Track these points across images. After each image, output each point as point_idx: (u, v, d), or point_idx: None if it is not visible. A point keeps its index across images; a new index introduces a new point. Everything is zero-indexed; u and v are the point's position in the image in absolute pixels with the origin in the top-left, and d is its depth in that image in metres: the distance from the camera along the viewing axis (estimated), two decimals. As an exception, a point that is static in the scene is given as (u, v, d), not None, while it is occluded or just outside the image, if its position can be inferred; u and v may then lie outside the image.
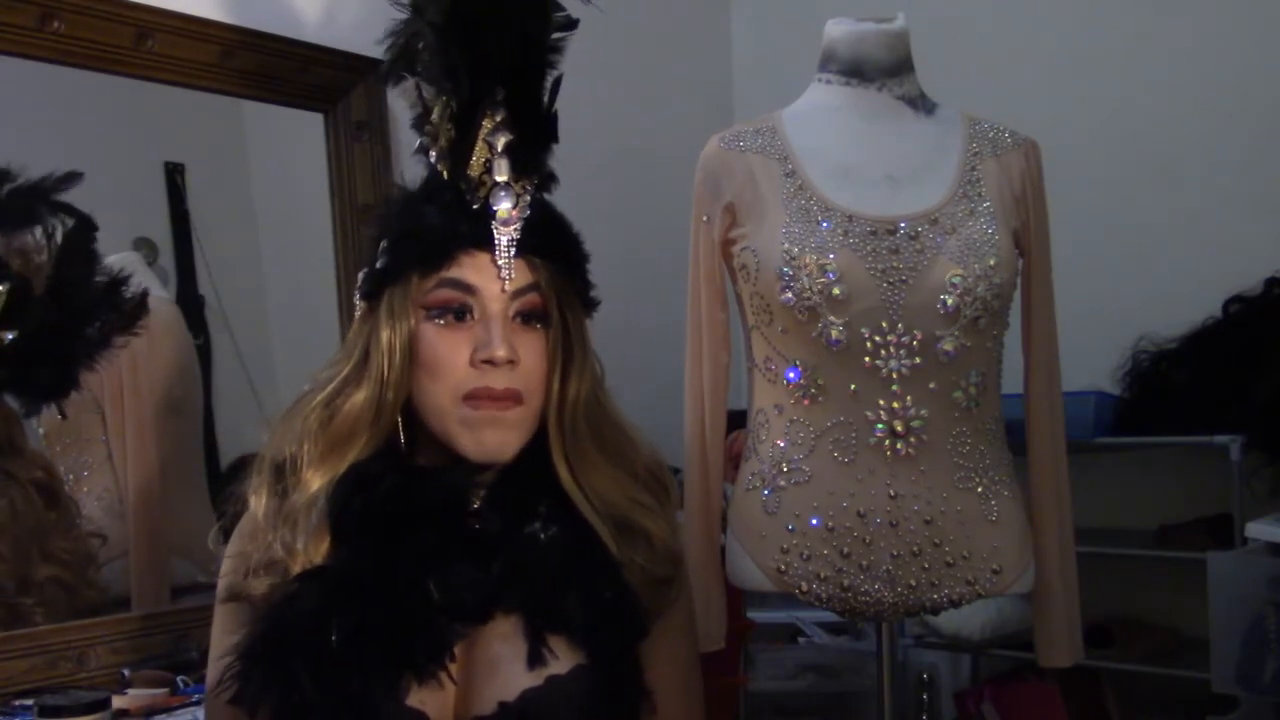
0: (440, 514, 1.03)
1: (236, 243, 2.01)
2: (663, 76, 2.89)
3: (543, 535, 1.06)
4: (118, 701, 1.47)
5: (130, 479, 1.75)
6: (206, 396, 1.90)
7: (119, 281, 1.69)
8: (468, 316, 1.05)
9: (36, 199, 1.61)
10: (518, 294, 1.05)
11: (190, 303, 1.88)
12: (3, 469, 1.58)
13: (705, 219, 1.56)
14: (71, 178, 1.63)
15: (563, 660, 1.01)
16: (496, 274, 1.05)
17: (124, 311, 1.69)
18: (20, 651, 1.53)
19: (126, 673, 1.58)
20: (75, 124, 1.78)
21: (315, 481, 1.04)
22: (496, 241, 1.05)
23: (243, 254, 2.02)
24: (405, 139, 2.12)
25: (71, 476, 1.73)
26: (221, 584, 1.10)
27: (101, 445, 1.75)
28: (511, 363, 1.03)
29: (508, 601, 1.02)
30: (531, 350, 1.06)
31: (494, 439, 1.04)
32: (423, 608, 0.99)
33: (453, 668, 1.00)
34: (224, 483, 1.84)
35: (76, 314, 1.65)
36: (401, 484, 1.04)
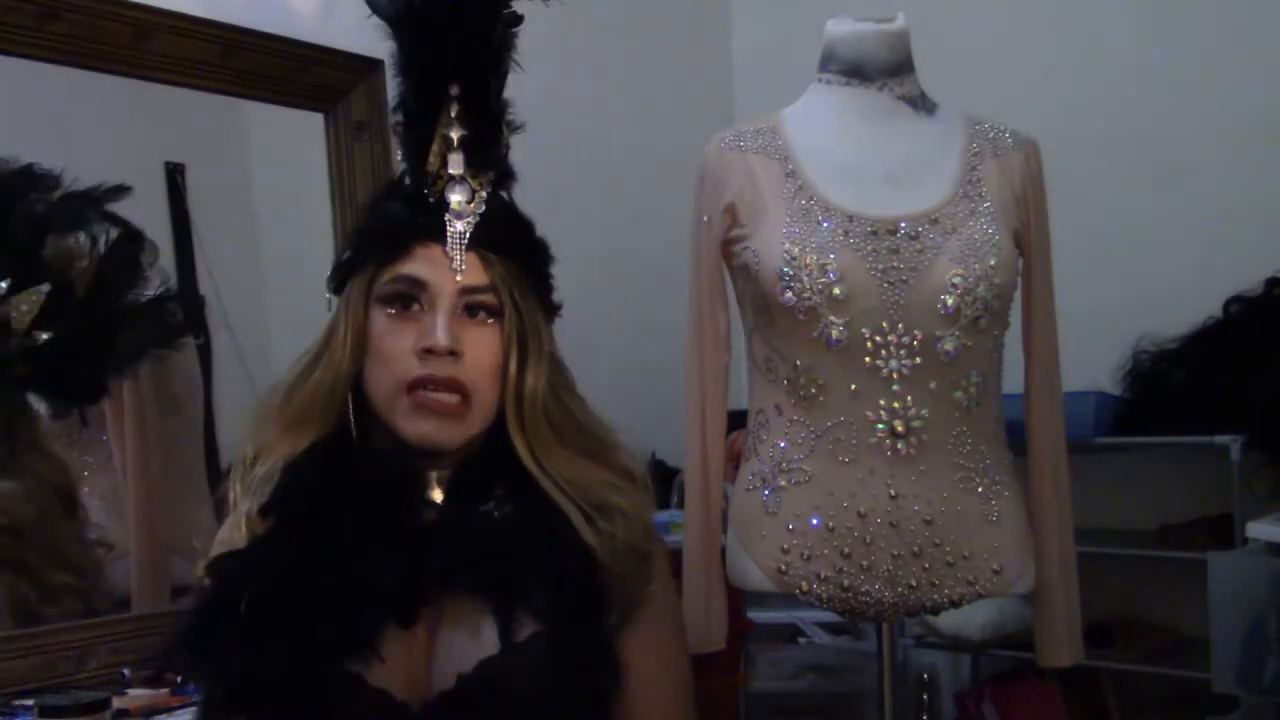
0: (380, 499, 1.05)
1: (236, 243, 2.01)
2: (663, 76, 2.89)
3: (496, 514, 1.08)
4: (118, 701, 1.47)
5: (130, 479, 1.75)
6: (206, 396, 1.90)
7: (165, 297, 1.72)
8: (414, 306, 1.07)
9: (88, 206, 1.64)
10: (469, 290, 1.07)
11: (190, 303, 1.88)
12: (31, 470, 1.59)
13: (706, 219, 1.56)
14: (121, 190, 1.67)
15: (520, 630, 1.02)
16: (448, 266, 1.07)
17: (166, 325, 1.72)
18: (21, 651, 1.53)
19: (126, 673, 1.58)
20: (75, 124, 1.78)
21: (271, 459, 1.07)
22: (449, 233, 1.07)
23: (243, 254, 2.02)
24: (405, 139, 2.13)
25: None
26: (199, 568, 1.10)
27: (102, 445, 1.74)
28: (454, 353, 1.04)
29: (462, 581, 1.03)
30: (480, 344, 1.07)
31: (435, 431, 1.06)
32: (349, 589, 1.00)
33: (416, 647, 1.02)
34: (224, 483, 1.85)
35: (113, 322, 1.67)
36: (347, 467, 1.06)
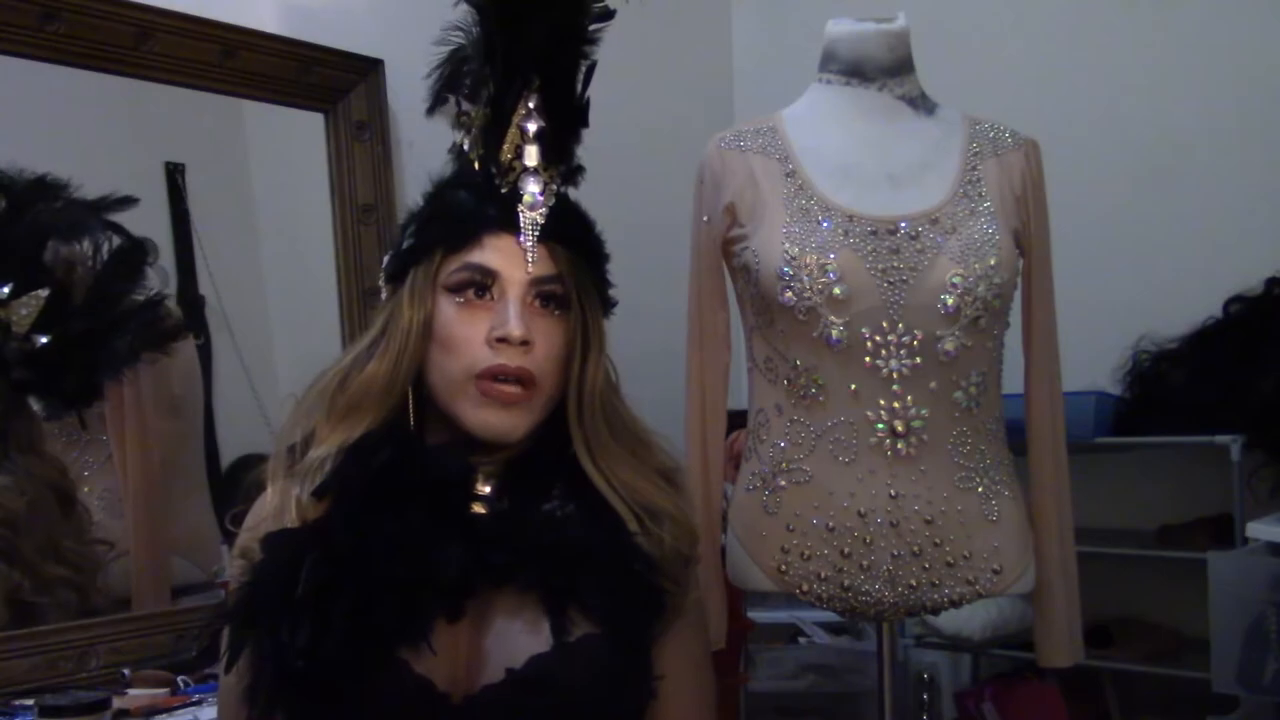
0: (438, 491, 1.04)
1: (236, 243, 2.01)
2: (663, 76, 2.89)
3: (559, 513, 1.07)
4: (118, 701, 1.47)
5: (130, 479, 1.75)
6: (206, 396, 1.90)
7: (156, 301, 1.72)
8: (487, 296, 1.06)
9: (90, 214, 1.65)
10: (539, 280, 1.07)
11: (190, 303, 1.88)
12: (26, 469, 1.60)
13: (706, 219, 1.56)
14: (127, 201, 1.68)
15: (574, 630, 1.01)
16: (520, 257, 1.06)
17: (158, 330, 1.72)
18: (21, 651, 1.53)
19: (126, 673, 1.59)
20: (75, 124, 1.78)
21: (325, 445, 1.06)
22: (522, 224, 1.07)
23: (243, 254, 2.02)
24: (405, 139, 2.12)
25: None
26: (235, 549, 1.08)
27: (103, 445, 1.74)
28: (526, 343, 1.04)
29: (520, 578, 1.02)
30: (549, 335, 1.07)
31: (501, 421, 1.05)
32: (404, 578, 0.99)
33: (461, 638, 1.01)
34: (224, 483, 1.85)
35: (110, 327, 1.67)
36: (403, 457, 1.05)
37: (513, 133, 1.08)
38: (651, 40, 2.87)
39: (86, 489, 1.73)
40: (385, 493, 1.03)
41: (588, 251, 1.11)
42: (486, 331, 1.04)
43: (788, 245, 1.45)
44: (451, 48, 1.14)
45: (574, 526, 1.06)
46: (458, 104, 1.13)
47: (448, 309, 1.06)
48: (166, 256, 1.86)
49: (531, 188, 1.07)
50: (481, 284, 1.06)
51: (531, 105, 1.08)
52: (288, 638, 0.96)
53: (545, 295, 1.07)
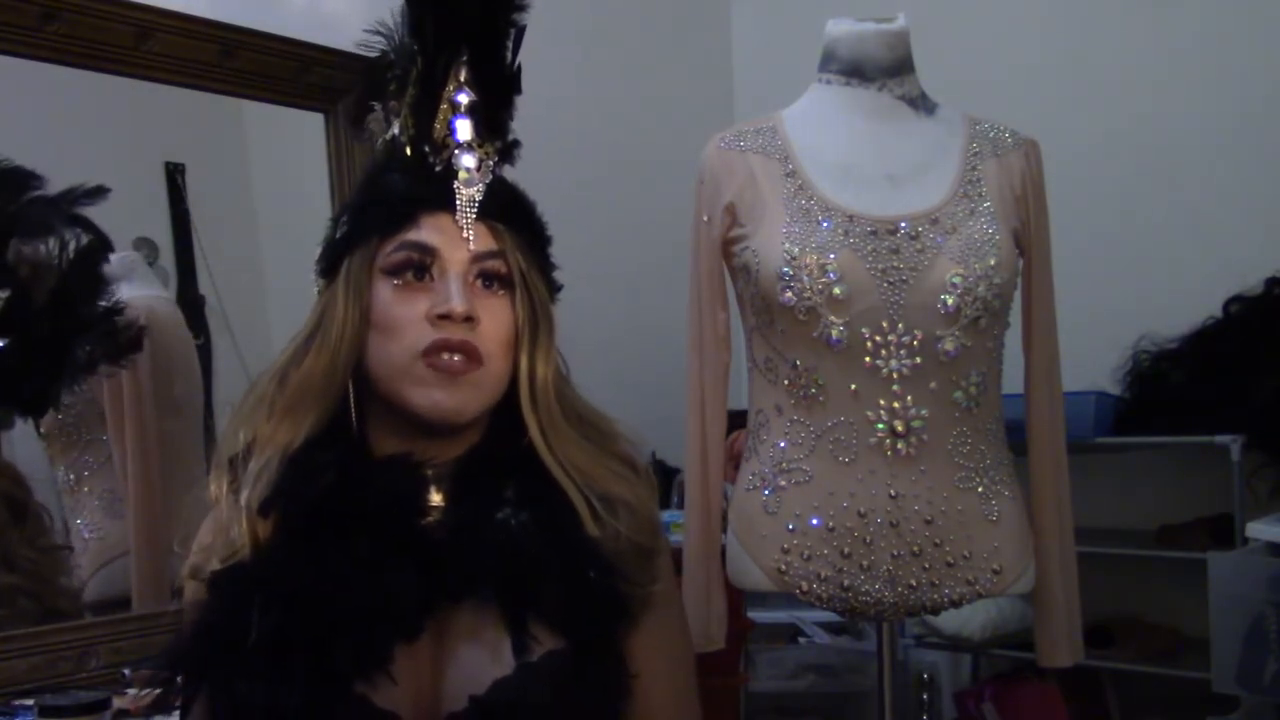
0: (388, 514, 1.00)
1: (236, 243, 2.01)
2: (663, 76, 2.90)
3: (513, 521, 1.03)
4: (118, 701, 1.47)
5: (130, 479, 1.75)
6: (206, 396, 1.90)
7: (114, 310, 1.66)
8: (426, 276, 1.02)
9: (55, 211, 1.59)
10: (480, 257, 1.03)
11: (190, 303, 1.88)
12: None
13: (705, 219, 1.56)
14: (98, 192, 1.61)
15: (536, 648, 0.98)
16: (459, 235, 1.03)
17: (116, 341, 1.67)
18: (20, 651, 1.53)
19: (127, 673, 1.58)
20: (75, 124, 1.78)
21: (267, 450, 1.02)
22: (458, 201, 1.03)
23: (243, 254, 2.02)
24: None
25: (72, 476, 1.73)
26: (185, 569, 1.06)
27: (103, 445, 1.75)
28: (470, 319, 1.00)
29: (478, 595, 0.99)
30: (494, 314, 1.03)
31: (448, 398, 1.00)
32: (361, 611, 0.96)
33: (423, 664, 0.98)
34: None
35: (70, 333, 1.62)
36: (350, 476, 1.01)
37: (444, 108, 1.05)
38: (651, 40, 2.87)
39: (86, 489, 1.73)
40: (333, 516, 0.99)
41: (530, 232, 1.08)
42: (427, 310, 1.00)
43: (788, 245, 1.45)
44: (371, 58, 1.11)
45: (530, 534, 1.02)
46: (385, 109, 1.11)
47: (385, 293, 1.02)
48: (166, 256, 1.86)
49: (467, 162, 1.04)
50: (420, 264, 1.02)
51: (462, 78, 1.04)
52: (245, 691, 0.93)
53: (488, 274, 1.04)
